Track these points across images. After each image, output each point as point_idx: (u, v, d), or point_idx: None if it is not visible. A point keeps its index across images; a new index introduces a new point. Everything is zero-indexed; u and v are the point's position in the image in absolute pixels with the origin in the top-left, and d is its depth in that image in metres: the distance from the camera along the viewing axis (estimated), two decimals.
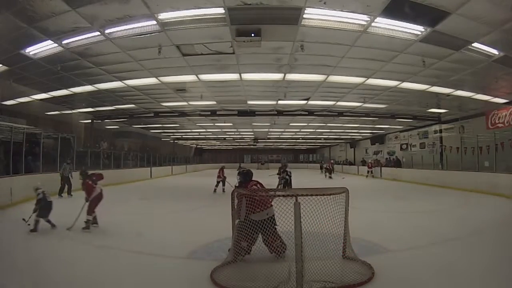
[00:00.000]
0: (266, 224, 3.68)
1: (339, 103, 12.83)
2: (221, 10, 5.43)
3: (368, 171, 21.27)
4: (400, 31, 6.15)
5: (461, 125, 15.45)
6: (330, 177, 21.16)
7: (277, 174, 11.46)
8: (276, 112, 14.53)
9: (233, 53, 7.33)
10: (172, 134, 26.78)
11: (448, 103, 12.69)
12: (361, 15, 5.56)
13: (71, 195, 9.65)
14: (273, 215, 3.81)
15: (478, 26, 5.72)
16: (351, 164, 28.95)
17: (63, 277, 3.34)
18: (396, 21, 5.80)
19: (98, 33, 6.20)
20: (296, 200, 3.11)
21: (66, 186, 9.84)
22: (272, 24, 5.89)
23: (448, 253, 4.17)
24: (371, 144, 26.61)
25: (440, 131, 17.10)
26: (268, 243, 3.87)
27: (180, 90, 10.75)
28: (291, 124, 19.71)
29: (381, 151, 25.29)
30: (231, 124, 19.59)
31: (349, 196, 3.62)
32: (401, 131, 21.56)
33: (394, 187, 14.18)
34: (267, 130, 23.26)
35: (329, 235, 3.57)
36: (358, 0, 5.09)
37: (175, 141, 31.64)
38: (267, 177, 10.64)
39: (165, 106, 13.64)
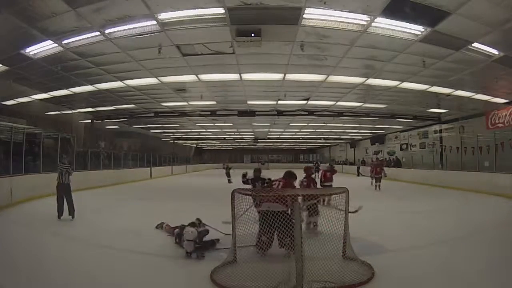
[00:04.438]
0: (284, 218, 3.69)
1: (339, 103, 12.84)
2: (221, 10, 5.43)
3: (373, 179, 13.48)
4: (400, 31, 6.15)
5: (461, 125, 15.45)
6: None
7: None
8: (276, 112, 14.54)
9: (233, 53, 7.33)
10: (172, 134, 26.79)
11: (448, 103, 12.69)
12: (361, 15, 5.56)
13: (73, 216, 6.26)
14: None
15: (478, 26, 5.72)
16: (351, 164, 28.97)
17: (63, 277, 3.33)
18: (396, 21, 5.80)
19: (98, 33, 6.20)
20: (296, 200, 3.12)
21: (66, 201, 6.28)
22: (272, 24, 5.89)
23: (448, 253, 4.17)
24: (371, 144, 26.62)
25: (440, 131, 17.10)
26: (280, 238, 3.87)
27: (180, 90, 10.76)
28: (291, 124, 19.72)
29: (381, 151, 25.30)
30: (231, 124, 19.59)
31: (349, 196, 3.62)
32: (401, 131, 21.55)
33: (394, 187, 14.16)
34: (267, 130, 23.27)
35: (329, 235, 3.57)
36: (358, 0, 5.09)
37: (175, 141, 31.66)
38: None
39: (165, 106, 13.64)
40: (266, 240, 3.93)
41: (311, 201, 4.54)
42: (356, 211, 4.67)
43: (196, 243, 4.04)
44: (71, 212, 6.28)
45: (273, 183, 4.56)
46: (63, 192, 6.29)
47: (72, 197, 6.39)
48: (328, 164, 10.07)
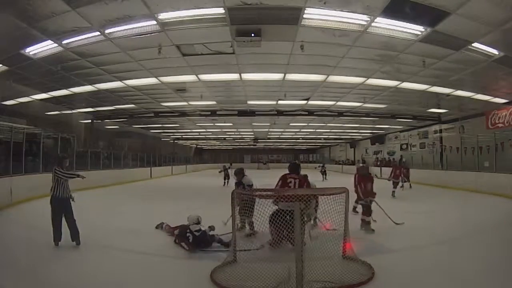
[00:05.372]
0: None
1: (339, 103, 12.84)
2: (221, 10, 5.43)
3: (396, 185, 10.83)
4: (400, 31, 6.15)
5: (461, 125, 15.45)
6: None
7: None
8: (276, 112, 14.55)
9: (233, 53, 7.34)
10: (172, 134, 26.79)
11: (448, 103, 12.69)
12: (361, 15, 5.55)
13: (79, 241, 4.43)
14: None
15: (478, 26, 5.72)
16: (352, 163, 28.97)
17: (63, 278, 3.34)
18: (396, 21, 5.80)
19: (98, 33, 6.20)
20: (296, 200, 3.12)
21: (67, 221, 4.43)
22: (272, 24, 5.89)
23: (448, 253, 4.17)
24: (371, 144, 26.61)
25: (440, 131, 17.10)
26: (289, 232, 3.83)
27: (180, 90, 10.76)
28: (291, 124, 19.71)
29: (381, 151, 25.28)
30: (231, 124, 19.59)
31: (349, 196, 3.62)
32: (401, 131, 21.53)
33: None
34: (267, 130, 23.27)
35: (329, 235, 3.57)
36: (358, 0, 5.09)
37: (175, 141, 31.66)
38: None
39: (165, 106, 13.65)
40: (287, 234, 3.86)
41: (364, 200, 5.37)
42: (398, 224, 5.79)
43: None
44: (75, 236, 4.41)
45: (289, 180, 4.51)
46: (62, 210, 4.38)
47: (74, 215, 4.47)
48: (361, 165, 7.62)
